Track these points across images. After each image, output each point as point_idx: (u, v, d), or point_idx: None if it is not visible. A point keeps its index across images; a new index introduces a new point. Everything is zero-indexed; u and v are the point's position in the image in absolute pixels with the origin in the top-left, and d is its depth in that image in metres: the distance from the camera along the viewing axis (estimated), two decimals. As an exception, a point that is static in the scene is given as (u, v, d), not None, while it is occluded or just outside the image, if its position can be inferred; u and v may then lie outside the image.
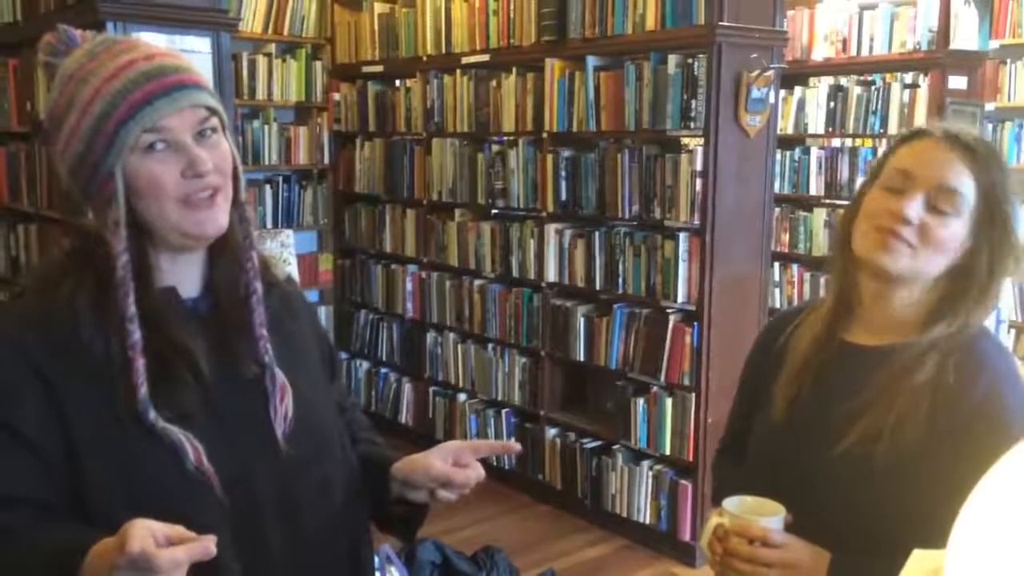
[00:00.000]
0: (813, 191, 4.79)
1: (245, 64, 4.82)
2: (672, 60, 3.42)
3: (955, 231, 1.20)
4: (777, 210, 4.77)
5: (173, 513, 0.92)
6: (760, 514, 1.20)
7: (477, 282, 4.43)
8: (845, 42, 4.61)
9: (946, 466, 1.12)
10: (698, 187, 3.39)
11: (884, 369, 1.24)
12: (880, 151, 3.95)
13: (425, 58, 4.58)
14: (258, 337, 1.14)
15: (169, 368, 1.06)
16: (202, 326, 1.13)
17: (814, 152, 4.78)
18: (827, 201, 4.80)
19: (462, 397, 4.57)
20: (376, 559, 2.57)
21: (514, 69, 4.09)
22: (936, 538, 0.74)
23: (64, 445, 1.02)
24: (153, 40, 2.83)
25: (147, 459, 1.03)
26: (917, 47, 4.38)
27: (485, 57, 4.22)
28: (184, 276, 1.14)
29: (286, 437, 1.13)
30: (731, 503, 1.22)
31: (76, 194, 1.11)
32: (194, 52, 2.94)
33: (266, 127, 4.98)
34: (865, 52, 4.55)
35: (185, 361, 1.08)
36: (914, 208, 1.19)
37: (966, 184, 1.19)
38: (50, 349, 1.04)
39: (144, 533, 0.86)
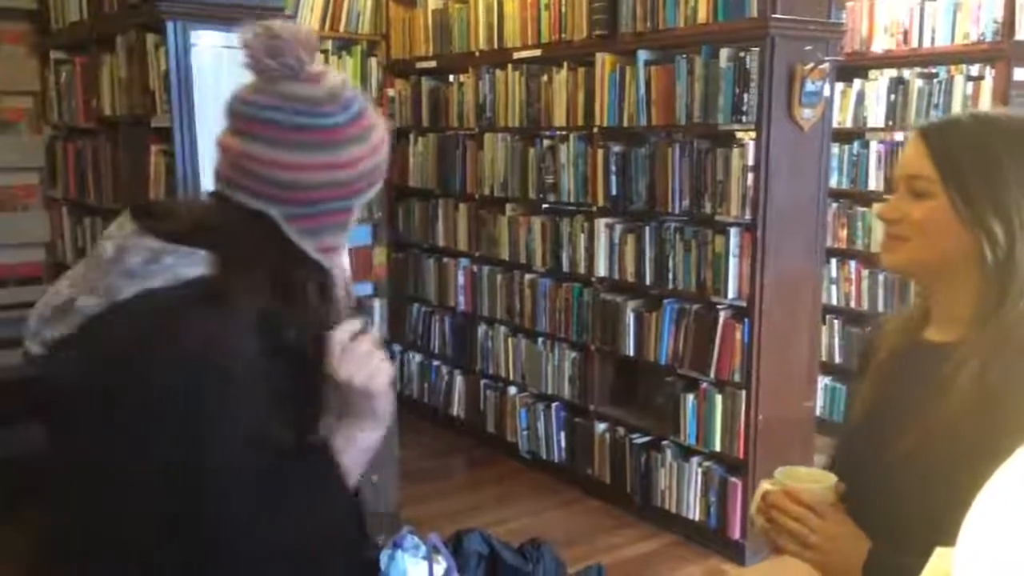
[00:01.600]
0: (872, 186, 4.69)
1: (302, 61, 4.90)
2: (724, 53, 3.38)
3: (930, 211, 1.20)
4: (834, 205, 4.69)
5: None
6: (810, 483, 1.23)
7: (527, 276, 4.44)
8: (906, 34, 4.50)
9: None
10: (750, 181, 3.35)
11: (944, 366, 1.22)
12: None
13: (477, 53, 4.60)
14: None
15: None
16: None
17: (873, 146, 4.67)
18: (887, 196, 4.68)
19: (512, 390, 4.59)
20: (424, 548, 2.61)
21: (565, 64, 4.10)
22: None
23: None
24: (211, 39, 2.91)
25: None
26: (981, 38, 4.25)
27: (537, 52, 4.23)
28: None
29: None
30: (782, 471, 1.26)
31: (299, 207, 1.14)
32: (250, 49, 3.01)
33: (322, 123, 5.06)
34: (927, 44, 4.43)
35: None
36: (892, 205, 1.24)
37: (926, 166, 1.20)
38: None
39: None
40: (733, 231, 3.43)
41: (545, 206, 4.39)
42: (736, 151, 3.40)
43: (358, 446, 1.19)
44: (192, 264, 1.08)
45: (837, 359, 4.85)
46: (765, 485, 1.27)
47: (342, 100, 1.15)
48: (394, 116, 5.30)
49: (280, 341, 1.09)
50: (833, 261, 4.75)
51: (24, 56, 4.34)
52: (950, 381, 1.18)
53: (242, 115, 1.15)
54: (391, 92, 5.32)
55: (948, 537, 1.10)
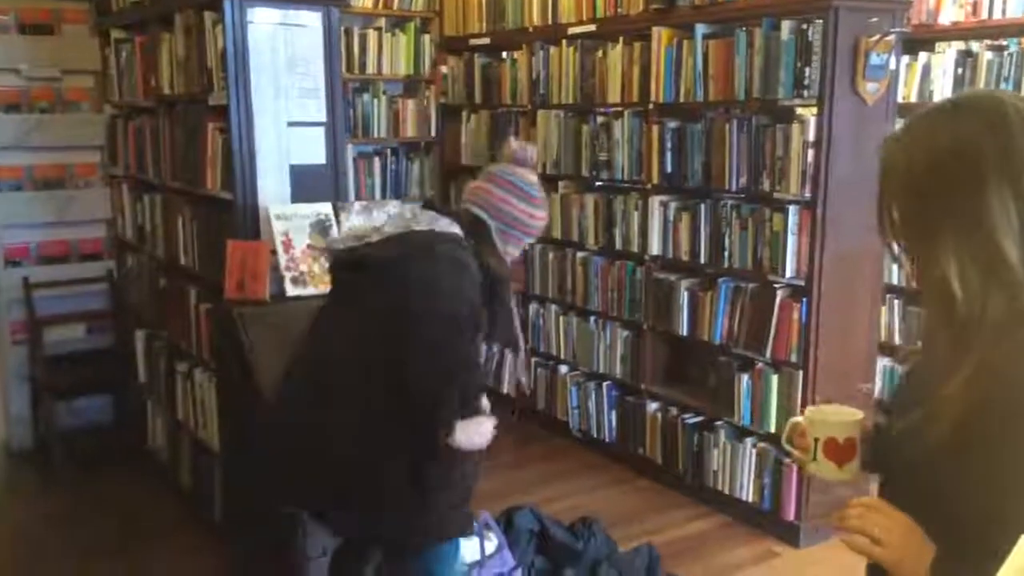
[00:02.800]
0: (937, 163, 4.54)
1: (356, 39, 4.91)
2: (785, 26, 3.29)
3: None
4: (896, 183, 4.55)
5: None
6: (838, 419, 1.29)
7: (580, 254, 4.41)
8: (975, 5, 4.32)
9: (999, 452, 1.05)
10: (810, 158, 3.27)
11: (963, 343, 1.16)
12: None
13: (531, 29, 4.56)
14: None
15: None
16: None
17: (938, 121, 4.52)
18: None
19: (563, 369, 4.58)
20: (476, 525, 2.61)
21: (620, 39, 4.03)
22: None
23: None
24: (267, 16, 2.93)
25: None
26: (1057, 8, 4.07)
27: (591, 27, 4.17)
28: None
29: None
30: (811, 409, 1.34)
31: (502, 224, 2.20)
32: (306, 27, 3.02)
33: (375, 100, 5.07)
34: (997, 15, 4.25)
35: None
36: None
37: None
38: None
39: None
40: (792, 208, 3.36)
41: (598, 183, 4.35)
42: (796, 127, 3.32)
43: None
44: (452, 226, 2.12)
45: (897, 340, 4.73)
46: (794, 419, 1.37)
47: (537, 185, 2.25)
48: (447, 93, 5.29)
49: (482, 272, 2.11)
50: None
51: (85, 36, 4.42)
52: (963, 356, 1.09)
53: (496, 173, 2.23)
54: (444, 69, 5.30)
55: (965, 511, 1.07)
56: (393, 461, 2.05)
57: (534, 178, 2.24)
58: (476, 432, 2.12)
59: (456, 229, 2.12)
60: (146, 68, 3.66)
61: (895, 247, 1.18)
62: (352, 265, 2.14)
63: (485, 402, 2.28)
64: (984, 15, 4.30)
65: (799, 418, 1.35)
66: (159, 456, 4.11)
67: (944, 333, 1.14)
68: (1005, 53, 4.29)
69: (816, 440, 1.29)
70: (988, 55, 4.32)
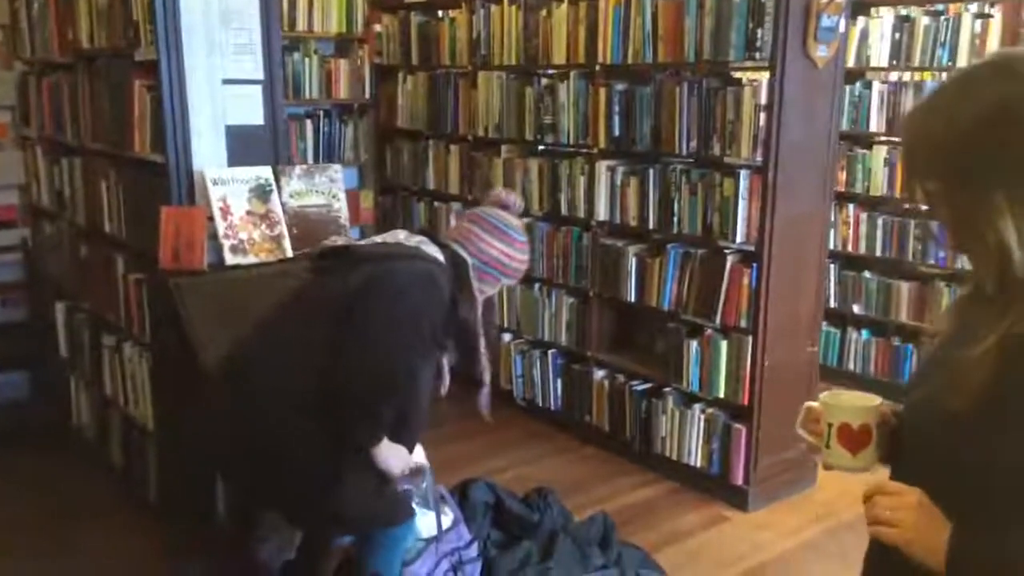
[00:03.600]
0: (874, 127, 4.60)
1: (286, -7, 4.68)
2: (737, -14, 3.24)
3: None
4: (834, 148, 4.59)
5: None
6: (852, 404, 1.24)
7: (524, 220, 4.30)
8: (913, -31, 4.36)
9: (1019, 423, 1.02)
10: (762, 122, 3.24)
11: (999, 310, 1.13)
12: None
13: (472, -13, 4.41)
14: None
15: None
16: None
17: (876, 86, 4.57)
18: (887, 139, 4.60)
19: (507, 337, 4.50)
20: (430, 499, 2.54)
21: (566, -3, 3.93)
22: None
23: None
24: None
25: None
26: (991, -26, 4.13)
27: (535, -15, 4.05)
28: None
29: None
30: (827, 394, 1.27)
31: (481, 264, 2.27)
32: (240, -23, 2.82)
33: (307, 59, 4.86)
34: (933, -21, 4.31)
35: None
36: None
37: None
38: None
39: None
40: (743, 173, 3.33)
41: (542, 148, 4.26)
42: (748, 90, 3.28)
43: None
44: (438, 253, 2.21)
45: (832, 303, 4.81)
46: (808, 404, 1.31)
47: (520, 229, 2.34)
48: (381, 53, 5.11)
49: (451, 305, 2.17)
50: (832, 204, 4.67)
51: (-10, -15, 4.08)
52: (985, 327, 1.08)
53: (479, 214, 2.33)
54: (378, 28, 5.11)
55: (983, 479, 1.04)
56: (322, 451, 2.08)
57: (517, 222, 2.34)
58: (397, 458, 2.21)
59: (441, 257, 2.21)
60: (62, 21, 3.39)
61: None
62: (335, 252, 2.24)
63: (422, 456, 2.44)
64: (921, -20, 4.34)
65: (813, 403, 1.30)
66: (85, 433, 3.90)
67: (976, 307, 1.10)
68: (941, 19, 4.34)
69: (830, 426, 1.23)
70: (925, 20, 4.38)
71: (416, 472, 2.40)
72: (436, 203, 4.87)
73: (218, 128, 2.86)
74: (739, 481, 3.51)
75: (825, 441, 1.24)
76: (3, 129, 4.21)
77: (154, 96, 2.82)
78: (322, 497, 2.10)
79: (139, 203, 3.03)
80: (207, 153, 2.84)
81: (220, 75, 2.84)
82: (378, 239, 2.33)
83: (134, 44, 2.86)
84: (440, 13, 4.77)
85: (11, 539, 3.23)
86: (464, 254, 2.24)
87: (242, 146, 2.90)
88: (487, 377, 2.38)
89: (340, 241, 2.37)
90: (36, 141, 3.97)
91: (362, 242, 2.36)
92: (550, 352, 4.27)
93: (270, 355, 2.13)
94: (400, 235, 2.30)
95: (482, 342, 2.30)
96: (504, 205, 2.35)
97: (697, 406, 3.64)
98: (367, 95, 5.13)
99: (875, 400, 1.24)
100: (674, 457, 3.73)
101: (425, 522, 2.51)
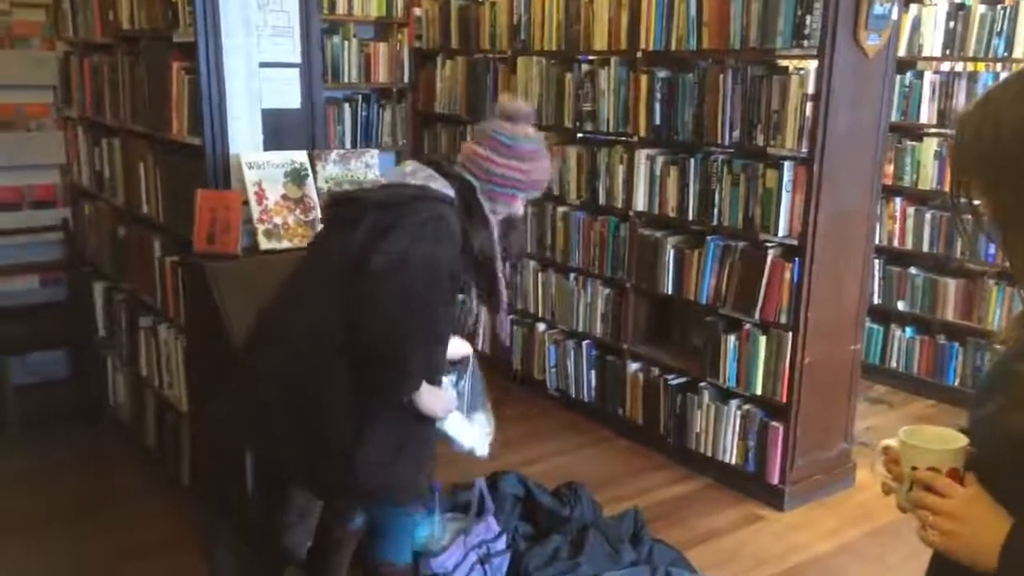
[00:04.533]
0: (924, 119, 4.46)
1: (326, -24, 4.66)
2: (786, -28, 3.14)
3: None
4: (882, 140, 4.46)
5: None
6: (937, 444, 1.10)
7: (561, 209, 4.27)
8: (970, -44, 4.21)
9: None
10: (808, 112, 3.15)
11: None
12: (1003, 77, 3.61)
13: (512, -30, 4.35)
14: None
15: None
16: None
17: (927, 76, 4.43)
18: (938, 131, 4.47)
19: (541, 327, 4.46)
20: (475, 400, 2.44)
21: (609, -18, 3.85)
22: None
23: None
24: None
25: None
26: (1053, -39, 3.97)
27: (578, -31, 3.97)
28: None
29: None
30: (906, 431, 1.14)
31: (489, 185, 2.13)
32: (279, -41, 2.79)
33: (346, 43, 4.83)
34: (992, -32, 4.15)
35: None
36: None
37: None
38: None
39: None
40: (787, 164, 3.24)
41: (581, 135, 4.19)
42: (795, 79, 3.19)
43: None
44: (447, 187, 2.09)
45: (876, 300, 4.69)
46: (886, 442, 1.18)
47: (529, 137, 2.15)
48: (421, 37, 5.07)
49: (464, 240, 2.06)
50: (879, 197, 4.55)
51: (35, -34, 4.11)
52: None
53: (480, 130, 2.17)
54: (417, 12, 5.07)
55: None
56: (350, 410, 2.03)
57: (524, 131, 2.15)
58: (439, 399, 2.15)
59: (450, 191, 2.09)
60: (103, 2, 3.39)
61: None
62: (343, 200, 2.17)
63: (465, 348, 2.38)
64: (979, -32, 4.19)
65: (891, 441, 1.16)
66: (120, 414, 3.93)
67: None
68: (999, 7, 4.19)
69: (914, 469, 1.10)
70: (981, 8, 4.23)
71: (462, 362, 2.34)
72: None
73: (254, 111, 2.84)
74: (775, 480, 3.44)
75: (907, 487, 1.11)
76: (45, 109, 4.25)
77: (192, 79, 2.81)
78: (341, 458, 2.02)
79: (176, 186, 3.03)
80: (243, 137, 2.82)
81: (257, 58, 2.82)
82: (383, 180, 2.24)
83: (173, 25, 2.85)
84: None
85: (46, 520, 3.27)
86: (470, 177, 2.11)
87: (278, 130, 2.89)
88: (505, 301, 2.23)
89: (347, 187, 2.32)
90: (77, 121, 3.99)
91: (368, 186, 2.26)
92: (584, 343, 4.22)
93: (296, 306, 2.09)
94: (408, 168, 2.16)
95: (499, 265, 2.16)
96: (508, 115, 2.16)
97: (734, 402, 3.57)
98: (406, 79, 5.10)
99: (961, 439, 1.10)
100: (709, 453, 3.66)
101: (463, 430, 2.31)
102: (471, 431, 2.31)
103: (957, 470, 1.08)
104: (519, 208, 2.20)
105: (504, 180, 2.11)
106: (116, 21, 3.28)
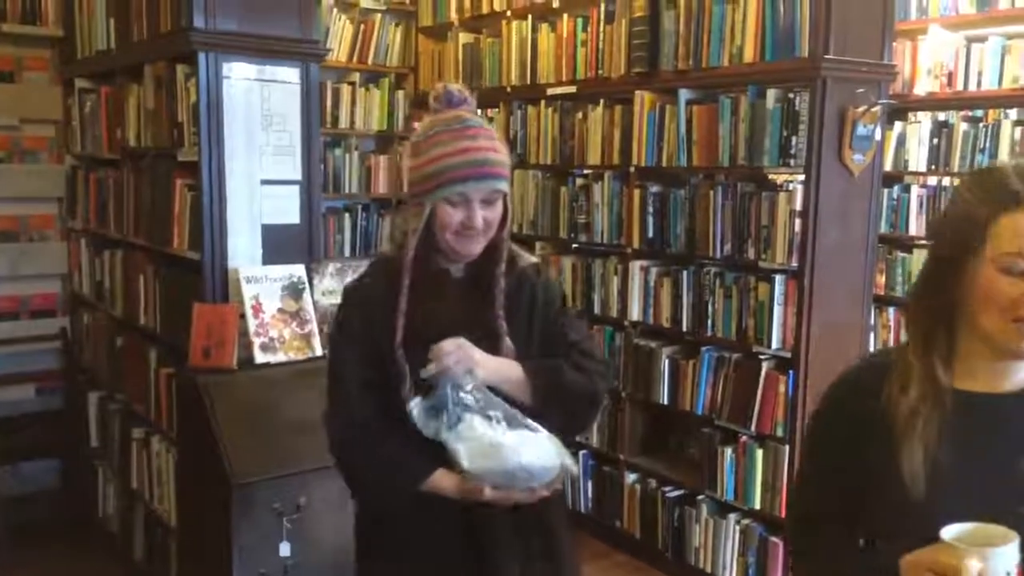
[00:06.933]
0: (913, 231, 4.54)
1: (329, 92, 4.82)
2: (771, 94, 3.26)
3: None
4: (873, 250, 4.53)
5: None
6: (986, 543, 1.02)
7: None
8: (951, 76, 4.37)
9: None
10: (797, 227, 3.21)
11: None
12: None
13: (509, 88, 4.50)
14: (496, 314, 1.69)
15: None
16: (462, 292, 1.72)
17: (915, 190, 4.54)
18: (927, 242, 4.54)
19: (538, 436, 4.41)
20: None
21: (601, 101, 3.98)
22: None
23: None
24: (244, 71, 2.81)
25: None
26: (1031, 82, 4.12)
27: (572, 88, 4.12)
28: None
29: None
30: (950, 531, 1.04)
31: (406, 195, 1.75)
32: (284, 83, 2.90)
33: (347, 155, 4.96)
34: (972, 87, 4.30)
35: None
36: None
37: None
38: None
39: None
40: (778, 278, 3.29)
41: (576, 246, 4.26)
42: (783, 196, 3.27)
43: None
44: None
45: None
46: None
47: (435, 123, 1.68)
48: (420, 150, 5.19)
49: None
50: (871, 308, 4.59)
51: (48, 84, 4.26)
52: None
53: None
54: (418, 126, 5.20)
55: None
56: None
57: (439, 118, 1.66)
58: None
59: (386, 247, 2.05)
60: (112, 120, 3.51)
61: None
62: None
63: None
64: (959, 87, 4.34)
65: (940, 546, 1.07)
66: (109, 526, 3.86)
67: None
68: (980, 124, 4.32)
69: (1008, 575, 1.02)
70: (964, 126, 4.36)
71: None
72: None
73: (254, 227, 2.90)
74: (776, 598, 3.36)
75: None
76: (49, 220, 4.33)
77: (194, 195, 2.87)
78: None
79: (174, 298, 3.07)
80: (242, 251, 2.87)
81: (259, 175, 2.90)
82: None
83: (178, 144, 2.94)
84: (479, 112, 4.86)
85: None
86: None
87: (277, 244, 2.94)
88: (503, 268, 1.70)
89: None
90: (80, 232, 4.06)
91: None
92: (581, 453, 4.18)
93: None
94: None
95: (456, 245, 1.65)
96: (433, 108, 1.72)
97: (732, 516, 3.52)
98: (405, 190, 5.20)
99: (1012, 535, 1.03)
100: (708, 570, 3.58)
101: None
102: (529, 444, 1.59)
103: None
104: (441, 215, 1.62)
105: (412, 185, 1.67)
106: (124, 138, 3.39)
